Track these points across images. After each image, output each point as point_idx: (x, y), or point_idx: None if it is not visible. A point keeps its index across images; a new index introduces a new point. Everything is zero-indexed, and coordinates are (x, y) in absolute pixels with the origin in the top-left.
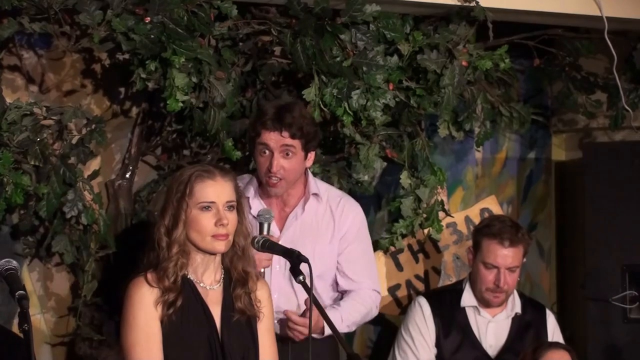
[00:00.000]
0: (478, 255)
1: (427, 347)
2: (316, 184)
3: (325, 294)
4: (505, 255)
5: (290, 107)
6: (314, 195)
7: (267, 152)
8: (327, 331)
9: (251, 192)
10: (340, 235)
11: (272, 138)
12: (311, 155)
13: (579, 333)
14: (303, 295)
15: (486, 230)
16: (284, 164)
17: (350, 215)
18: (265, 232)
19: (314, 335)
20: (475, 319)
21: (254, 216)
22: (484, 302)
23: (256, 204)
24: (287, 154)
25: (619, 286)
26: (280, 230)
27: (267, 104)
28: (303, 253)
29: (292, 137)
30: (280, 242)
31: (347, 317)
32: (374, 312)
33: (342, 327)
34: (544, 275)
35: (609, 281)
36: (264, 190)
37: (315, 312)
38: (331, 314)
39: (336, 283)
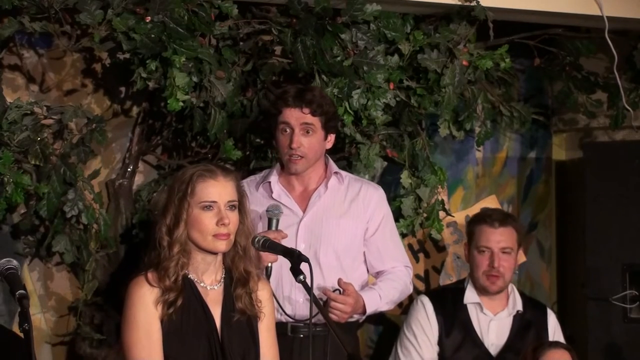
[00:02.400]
0: (472, 245)
1: (430, 345)
2: (336, 166)
3: (351, 273)
4: (497, 236)
5: (311, 87)
6: (335, 174)
7: (287, 130)
8: (368, 311)
9: (274, 176)
10: (367, 218)
11: (293, 115)
12: (331, 138)
13: (579, 332)
14: (330, 277)
15: (475, 217)
16: (304, 142)
17: (374, 198)
18: (273, 227)
19: (355, 316)
20: (477, 317)
21: (274, 199)
22: (484, 292)
23: (277, 189)
24: (308, 132)
25: (619, 286)
26: (304, 210)
27: (288, 86)
28: (328, 227)
29: (313, 114)
30: (304, 221)
31: (385, 295)
32: (410, 288)
33: (382, 305)
34: (544, 275)
35: (609, 281)
36: (285, 172)
37: (354, 292)
38: (369, 293)
39: (365, 264)
